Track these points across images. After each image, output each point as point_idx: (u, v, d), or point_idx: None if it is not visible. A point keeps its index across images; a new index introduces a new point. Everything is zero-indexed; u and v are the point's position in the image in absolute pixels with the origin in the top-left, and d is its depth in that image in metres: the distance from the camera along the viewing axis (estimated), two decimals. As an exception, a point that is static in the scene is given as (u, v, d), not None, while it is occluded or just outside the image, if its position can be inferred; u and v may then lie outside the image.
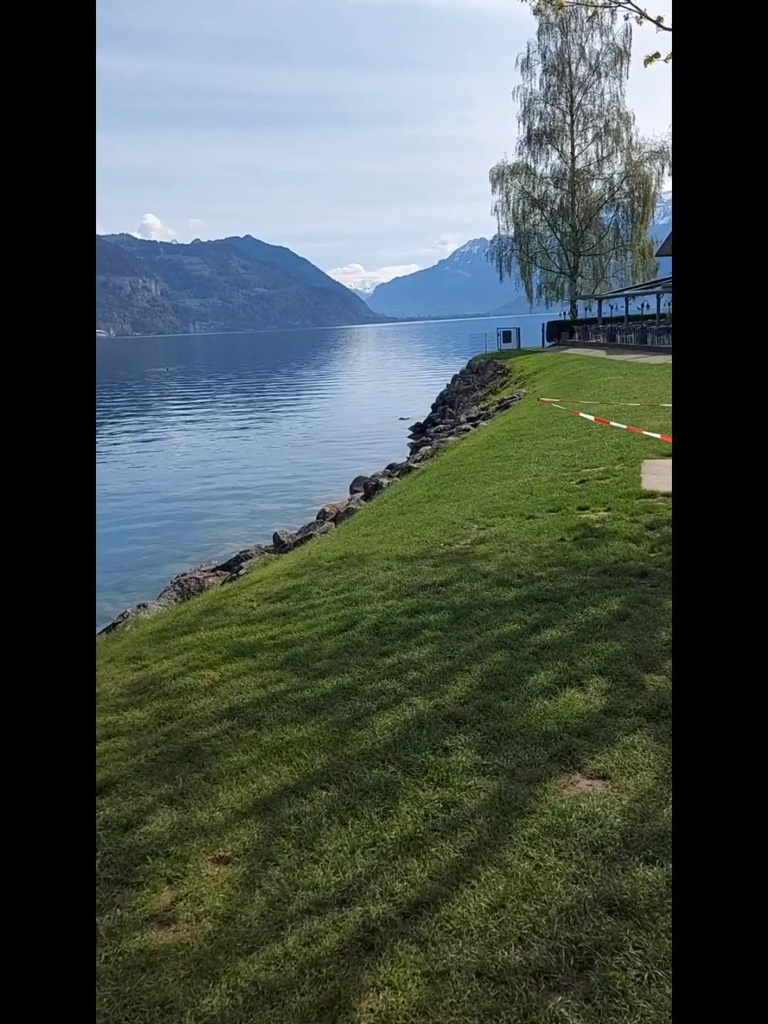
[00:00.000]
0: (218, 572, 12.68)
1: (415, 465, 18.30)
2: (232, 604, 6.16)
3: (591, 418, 10.94)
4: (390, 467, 20.95)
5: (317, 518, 16.71)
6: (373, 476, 20.25)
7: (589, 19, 44.86)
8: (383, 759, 3.30)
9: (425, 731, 3.51)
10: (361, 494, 18.24)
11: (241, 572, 11.16)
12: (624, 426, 10.18)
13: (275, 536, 14.47)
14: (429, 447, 21.51)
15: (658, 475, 9.04)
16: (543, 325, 47.95)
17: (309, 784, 3.16)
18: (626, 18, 7.77)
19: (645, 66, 7.82)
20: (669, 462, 9.59)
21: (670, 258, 39.19)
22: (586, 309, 49.89)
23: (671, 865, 2.46)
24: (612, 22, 45.35)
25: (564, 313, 50.68)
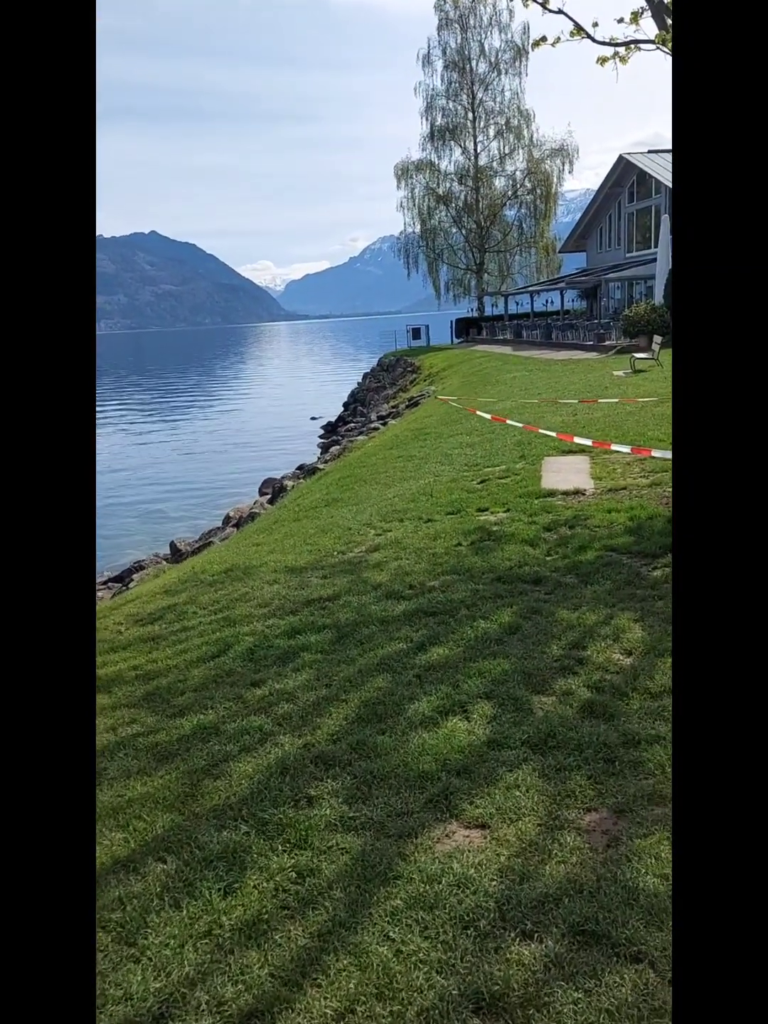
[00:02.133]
0: (109, 585, 11.95)
1: (322, 466, 17.91)
2: (99, 628, 5.60)
3: (488, 416, 10.74)
4: (299, 468, 20.50)
5: (222, 523, 16.13)
6: (282, 477, 19.75)
7: (489, 17, 45.34)
8: (236, 816, 2.87)
9: (288, 778, 3.09)
10: (268, 497, 17.73)
11: (131, 585, 10.50)
12: (520, 425, 10.01)
13: (172, 545, 13.78)
14: (339, 447, 21.14)
15: (557, 473, 8.88)
16: (452, 322, 48.13)
17: (144, 855, 2.70)
18: (510, 1, 7.53)
19: (533, 50, 7.60)
20: (567, 459, 9.47)
21: (571, 254, 39.59)
22: (493, 306, 50.36)
23: (549, 942, 2.12)
24: (511, 20, 45.95)
25: (472, 310, 51.03)
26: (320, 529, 7.84)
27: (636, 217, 37.66)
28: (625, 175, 37.61)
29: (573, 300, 42.74)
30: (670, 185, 32.64)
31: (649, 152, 37.10)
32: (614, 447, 7.78)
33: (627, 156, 36.63)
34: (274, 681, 4.06)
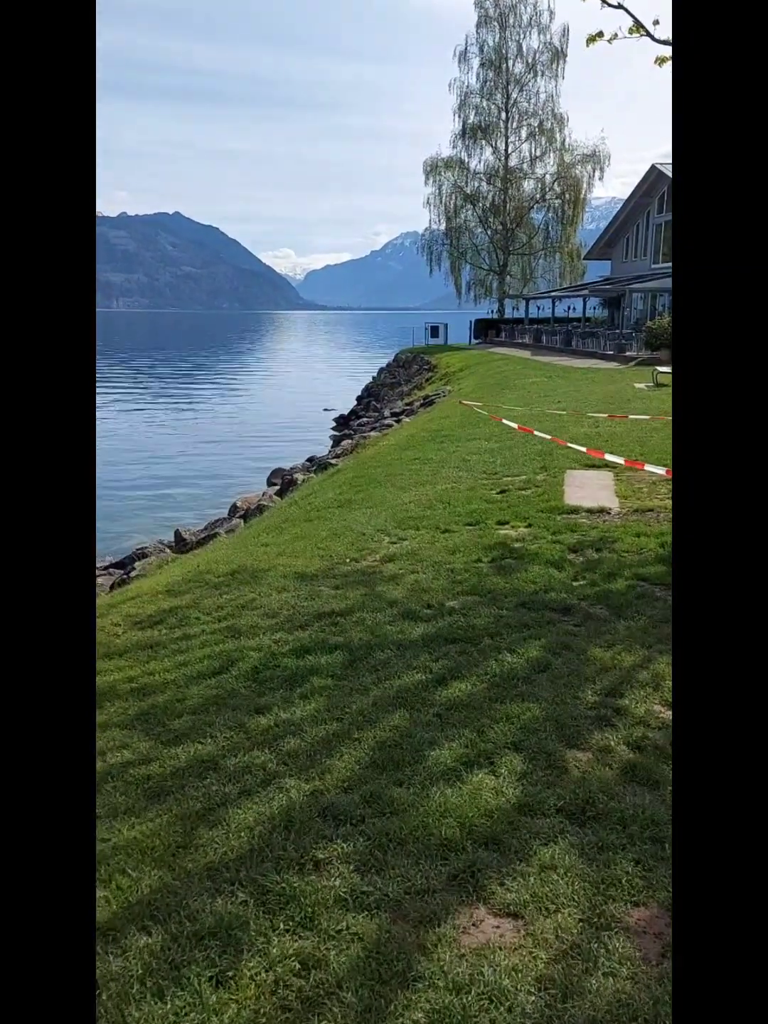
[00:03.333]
0: (110, 570, 11.62)
1: (333, 461, 17.61)
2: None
3: (514, 425, 10.39)
4: (310, 460, 20.20)
5: (228, 513, 15.81)
6: (291, 469, 19.43)
7: (528, 17, 44.82)
8: (234, 879, 2.53)
9: (294, 834, 2.75)
10: (277, 488, 17.42)
11: (132, 574, 10.17)
12: (548, 436, 9.64)
13: (177, 533, 13.45)
14: (351, 441, 20.82)
15: (581, 488, 8.53)
16: (471, 322, 47.68)
17: (127, 922, 2.35)
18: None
19: (587, 46, 7.23)
20: (590, 474, 9.12)
21: (596, 262, 39.27)
22: (513, 308, 49.91)
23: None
24: (551, 21, 45.41)
25: (492, 311, 50.56)
26: (332, 533, 7.49)
27: (664, 228, 37.15)
28: (656, 185, 37.08)
29: (595, 308, 42.31)
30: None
31: (682, 163, 36.60)
32: (647, 467, 7.41)
33: (659, 166, 36.12)
34: (280, 708, 3.72)
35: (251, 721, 3.61)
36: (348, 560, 6.42)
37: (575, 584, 5.46)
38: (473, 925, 2.30)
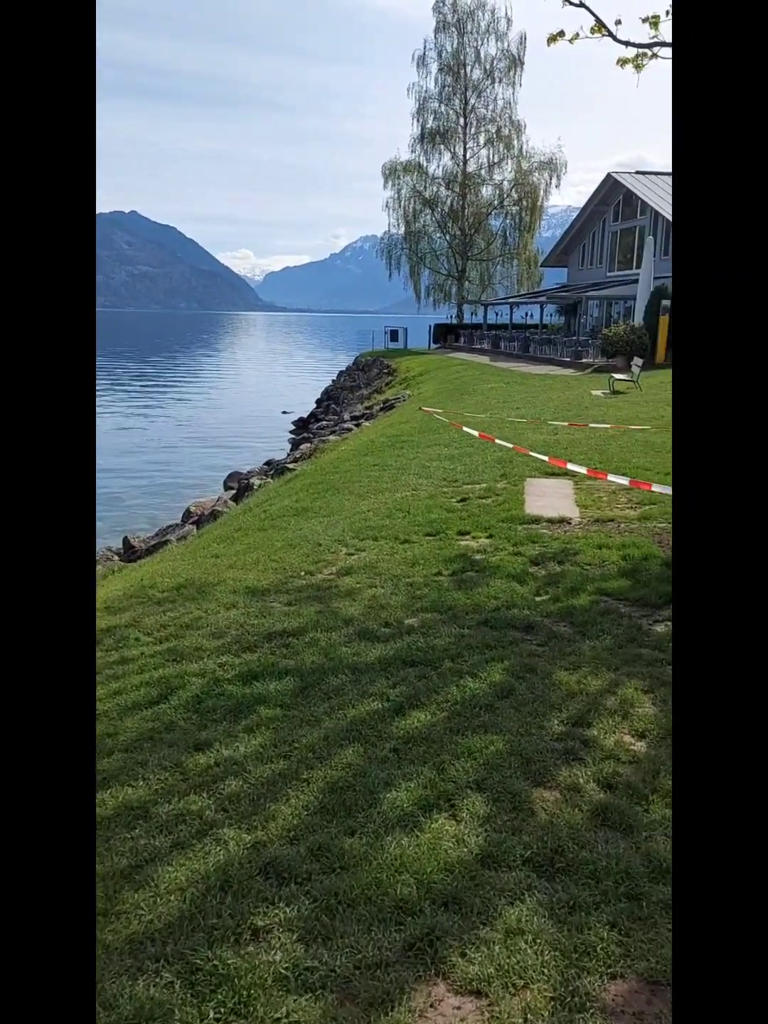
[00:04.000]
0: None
1: (291, 465, 17.30)
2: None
3: (475, 433, 10.20)
4: (268, 464, 19.87)
5: (181, 519, 15.39)
6: (248, 473, 19.05)
7: (487, 24, 45.08)
8: (159, 955, 2.22)
9: (231, 896, 2.45)
10: (233, 492, 17.04)
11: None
12: (509, 444, 9.46)
13: (125, 540, 13.00)
14: (309, 444, 20.53)
15: (541, 497, 8.35)
16: (430, 327, 47.66)
17: (33, 1014, 2.04)
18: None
19: (548, 45, 7.05)
20: (550, 482, 8.95)
21: (552, 269, 39.58)
22: (472, 314, 50.05)
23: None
24: (508, 28, 45.71)
25: (451, 316, 50.66)
26: (287, 543, 7.18)
27: (620, 237, 37.53)
28: (612, 194, 37.46)
29: (552, 315, 42.56)
30: (656, 207, 32.51)
31: (637, 173, 37.02)
32: (610, 477, 7.25)
33: (615, 175, 36.50)
34: (222, 744, 3.41)
35: (189, 759, 3.30)
36: (303, 573, 6.13)
37: (538, 599, 5.24)
38: (431, 1006, 2.03)
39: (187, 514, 15.29)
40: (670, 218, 31.65)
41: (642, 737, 3.38)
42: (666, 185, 34.83)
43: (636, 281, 28.23)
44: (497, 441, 9.76)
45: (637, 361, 20.25)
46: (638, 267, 29.40)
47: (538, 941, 2.21)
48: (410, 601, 5.27)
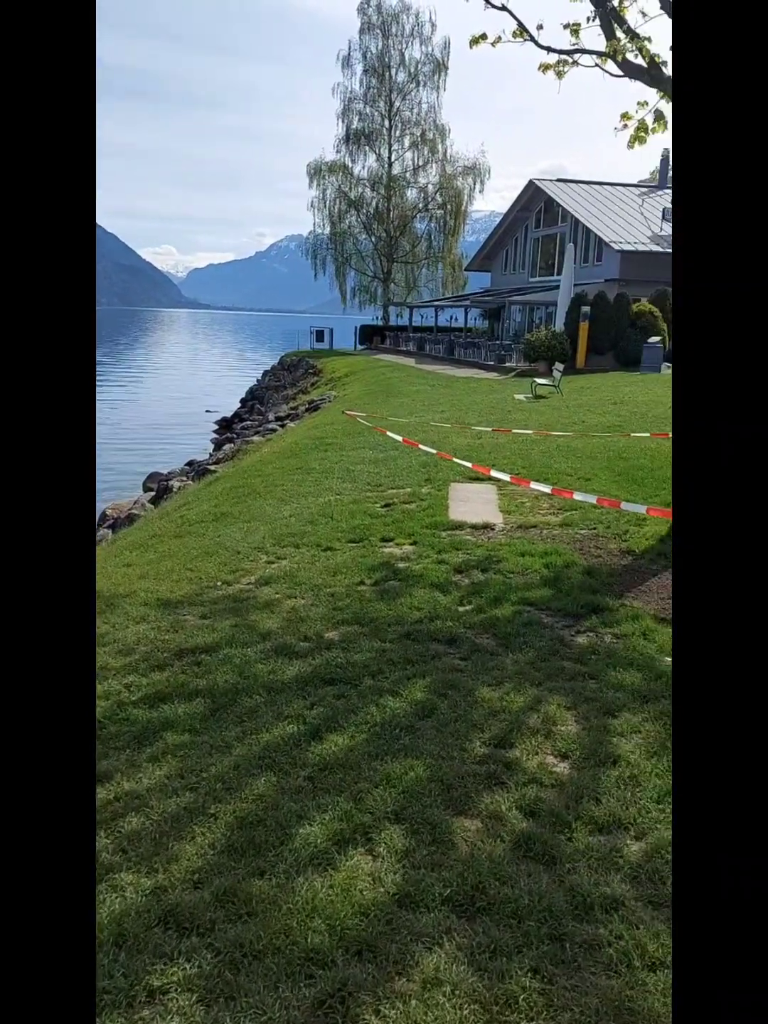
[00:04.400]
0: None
1: (213, 467, 16.91)
2: None
3: (399, 438, 10.10)
4: (189, 464, 19.37)
5: (97, 522, 14.83)
6: (169, 474, 18.54)
7: (411, 28, 45.36)
8: (41, 1029, 1.99)
9: (126, 953, 2.23)
10: (152, 494, 16.54)
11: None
12: (433, 450, 9.40)
13: (36, 548, 12.41)
14: (233, 445, 20.14)
15: (465, 502, 8.30)
16: (356, 328, 47.58)
17: None
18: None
19: (471, 47, 7.00)
20: (474, 487, 8.93)
21: (476, 273, 40.10)
22: (398, 316, 50.20)
23: None
24: (432, 33, 46.08)
25: (377, 317, 50.70)
26: (204, 551, 6.92)
27: (541, 243, 38.21)
28: (534, 200, 38.12)
29: (476, 319, 43.04)
30: (576, 215, 33.22)
31: (558, 181, 37.77)
32: (533, 485, 7.23)
33: (537, 182, 37.14)
34: (123, 776, 3.17)
35: (87, 795, 3.05)
36: (219, 583, 5.89)
37: (461, 610, 5.15)
38: (342, 1075, 1.87)
39: (103, 517, 14.75)
40: (589, 226, 32.39)
41: (565, 758, 3.30)
42: (586, 193, 35.62)
43: (557, 287, 28.74)
44: (421, 447, 9.68)
45: (558, 366, 20.59)
46: (559, 274, 29.95)
47: (457, 993, 2.07)
48: (331, 613, 5.11)
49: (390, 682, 4.00)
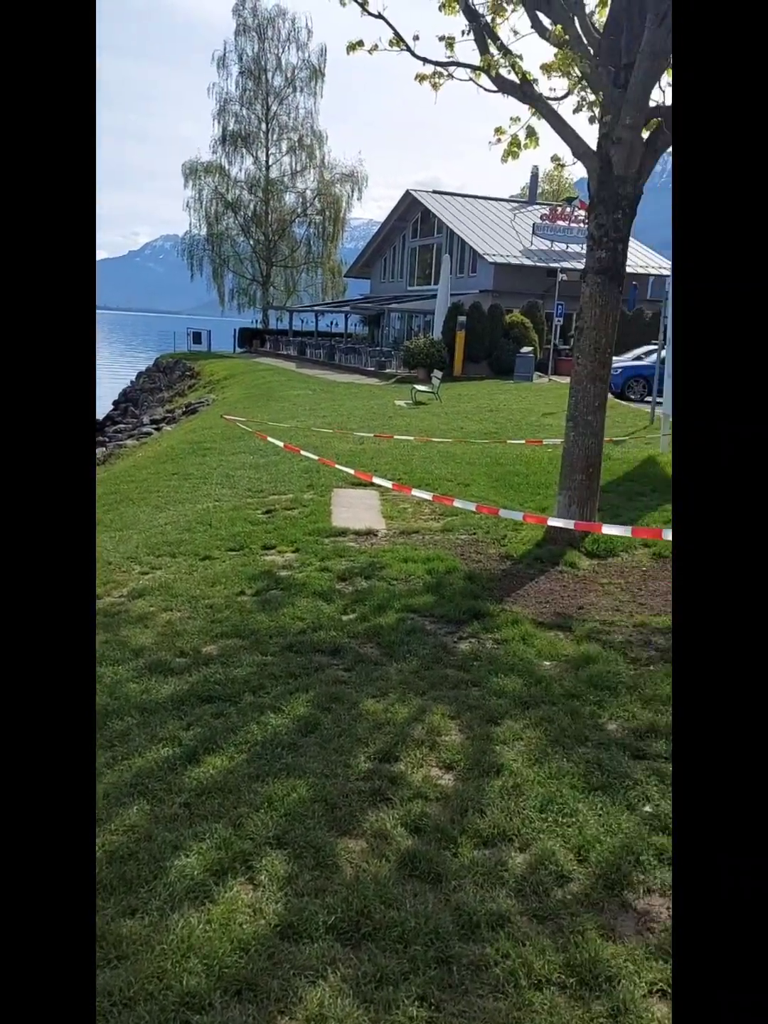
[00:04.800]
0: None
1: (83, 474, 16.07)
2: None
3: (281, 444, 9.94)
4: (56, 472, 18.36)
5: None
6: (35, 482, 17.53)
7: (287, 32, 45.27)
8: None
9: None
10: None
11: None
12: (315, 457, 9.29)
13: None
14: (105, 449, 19.29)
15: (348, 508, 8.25)
16: (235, 330, 46.83)
17: None
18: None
19: (348, 53, 6.96)
20: (357, 493, 8.90)
21: (356, 280, 40.24)
22: (278, 320, 49.82)
23: None
24: (309, 39, 46.13)
25: (256, 321, 50.14)
26: (71, 564, 6.53)
27: (419, 253, 38.86)
28: (410, 211, 38.71)
29: (356, 325, 43.28)
30: (451, 227, 33.99)
31: (434, 192, 38.53)
32: (414, 492, 7.25)
33: (414, 192, 37.74)
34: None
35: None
36: (88, 598, 5.56)
37: (345, 619, 5.07)
38: None
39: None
40: (464, 238, 33.20)
41: (449, 769, 3.27)
42: (461, 206, 36.50)
43: (435, 296, 29.26)
44: (303, 452, 9.56)
45: (437, 373, 20.93)
46: (436, 283, 30.47)
47: (343, 1031, 1.98)
48: (209, 626, 4.91)
49: (272, 698, 3.87)
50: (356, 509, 8.29)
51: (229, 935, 2.28)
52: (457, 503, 6.82)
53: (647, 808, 2.99)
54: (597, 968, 2.15)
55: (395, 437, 12.29)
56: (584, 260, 6.69)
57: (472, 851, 2.71)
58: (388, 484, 7.69)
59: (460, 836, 2.77)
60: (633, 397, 19.72)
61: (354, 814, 2.90)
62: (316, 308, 43.45)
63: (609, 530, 5.70)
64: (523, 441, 11.90)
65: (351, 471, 8.26)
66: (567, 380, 7.38)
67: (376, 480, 7.79)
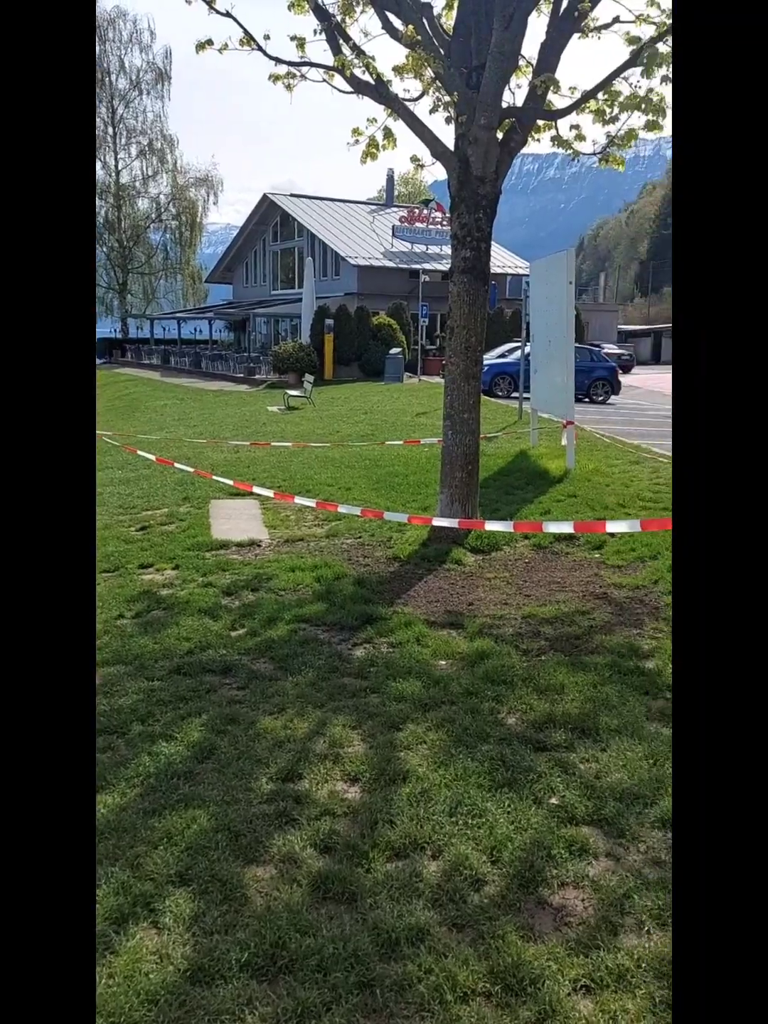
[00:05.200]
0: None
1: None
2: None
3: (152, 457, 9.56)
4: None
5: None
6: None
7: (129, 34, 44.07)
8: None
9: None
10: None
11: None
12: (190, 469, 8.99)
13: None
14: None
15: (228, 520, 8.03)
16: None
17: None
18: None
19: (197, 53, 6.76)
20: (236, 503, 8.69)
21: (218, 285, 39.58)
22: (138, 328, 48.32)
23: None
24: (152, 41, 45.13)
25: (115, 330, 48.42)
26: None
27: (280, 256, 38.62)
28: (269, 214, 38.42)
29: (221, 331, 42.54)
30: (312, 230, 33.97)
31: (292, 195, 38.40)
32: (297, 499, 7.14)
33: (271, 196, 37.49)
34: None
35: None
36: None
37: (234, 635, 4.90)
38: None
39: None
40: (325, 241, 33.25)
41: (355, 781, 3.19)
42: (320, 209, 36.55)
43: (300, 300, 29.15)
44: (176, 464, 9.24)
45: (309, 378, 20.83)
46: (301, 287, 30.38)
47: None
48: (88, 655, 4.62)
49: (162, 725, 3.67)
50: (237, 520, 8.08)
51: (135, 988, 2.12)
52: (342, 509, 6.77)
53: (553, 800, 3.02)
54: (520, 972, 2.13)
55: (271, 444, 12.10)
56: (446, 261, 6.79)
57: (385, 865, 2.64)
58: (269, 493, 7.54)
59: (371, 850, 2.70)
60: (500, 394, 20.34)
61: (260, 840, 2.77)
62: (178, 315, 42.42)
63: (492, 526, 5.79)
64: (401, 442, 11.99)
65: (229, 482, 8.05)
66: (437, 379, 7.48)
67: (256, 489, 7.61)
